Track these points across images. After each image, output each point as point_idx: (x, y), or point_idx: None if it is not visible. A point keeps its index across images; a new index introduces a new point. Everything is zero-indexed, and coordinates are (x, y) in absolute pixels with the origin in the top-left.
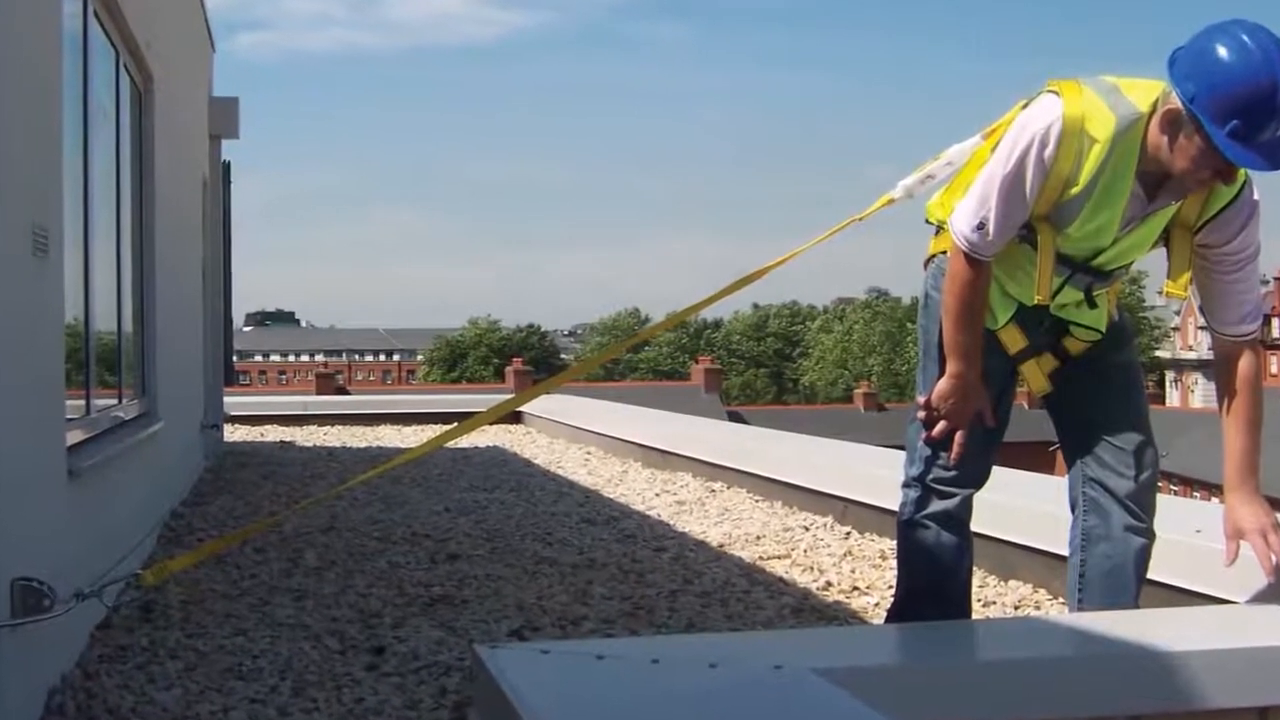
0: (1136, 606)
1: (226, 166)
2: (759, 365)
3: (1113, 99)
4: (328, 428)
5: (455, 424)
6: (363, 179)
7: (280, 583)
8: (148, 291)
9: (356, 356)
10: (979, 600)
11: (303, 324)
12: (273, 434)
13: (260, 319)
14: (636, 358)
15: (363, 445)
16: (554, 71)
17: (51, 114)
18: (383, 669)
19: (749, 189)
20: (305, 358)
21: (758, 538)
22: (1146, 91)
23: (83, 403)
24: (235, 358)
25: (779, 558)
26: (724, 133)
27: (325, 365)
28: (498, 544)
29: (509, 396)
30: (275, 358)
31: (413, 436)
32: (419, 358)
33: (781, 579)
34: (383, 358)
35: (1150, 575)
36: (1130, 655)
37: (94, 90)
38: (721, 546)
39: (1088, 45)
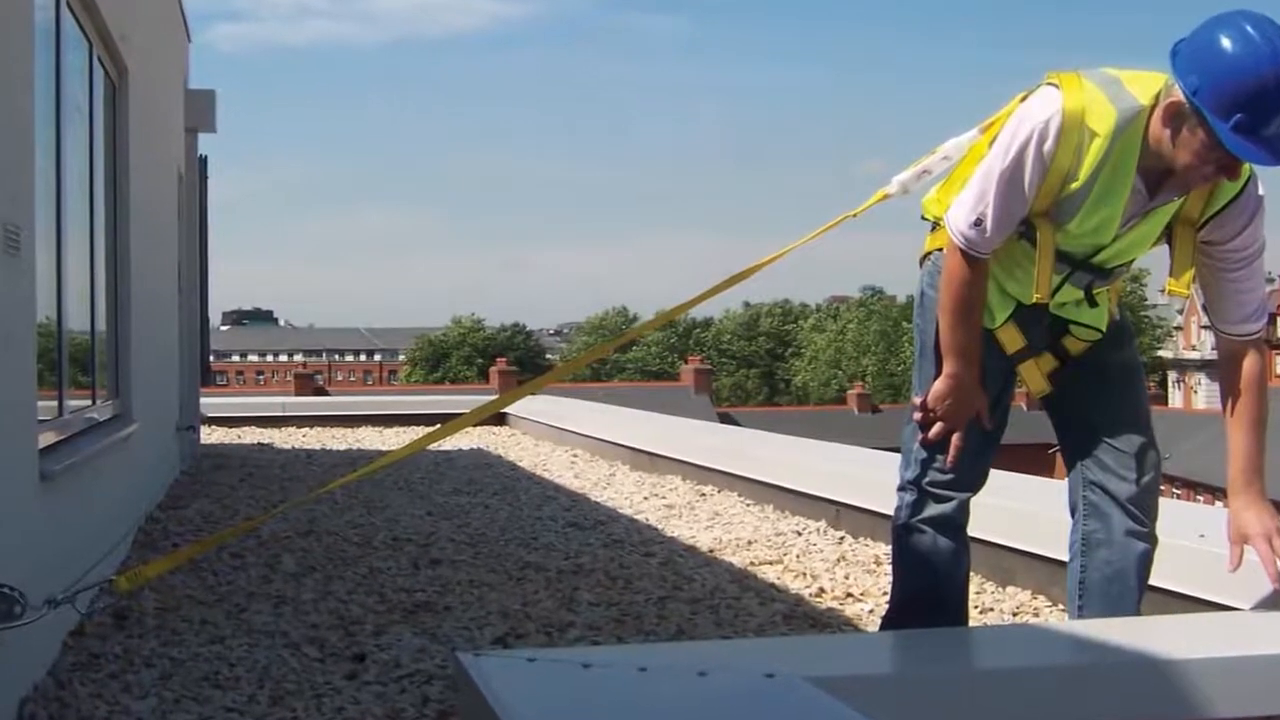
0: (1138, 613)
1: (203, 161)
2: (750, 365)
3: (1113, 91)
4: (306, 429)
5: (438, 425)
6: (344, 174)
7: (258, 589)
8: (122, 290)
9: (336, 356)
10: (976, 607)
11: (281, 323)
12: (250, 436)
13: (238, 318)
14: (624, 358)
15: (343, 448)
16: (541, 63)
17: (23, 108)
18: (363, 678)
19: (740, 185)
20: (284, 358)
21: (749, 543)
22: (1148, 84)
23: (55, 404)
24: (212, 358)
25: (770, 563)
26: (715, 127)
27: (304, 365)
28: (481, 549)
29: (493, 397)
30: (253, 358)
31: (394, 438)
32: (401, 358)
33: (773, 585)
34: (363, 358)
35: (1153, 581)
36: (1132, 663)
37: (67, 83)
38: (712, 551)
39: (1088, 37)
